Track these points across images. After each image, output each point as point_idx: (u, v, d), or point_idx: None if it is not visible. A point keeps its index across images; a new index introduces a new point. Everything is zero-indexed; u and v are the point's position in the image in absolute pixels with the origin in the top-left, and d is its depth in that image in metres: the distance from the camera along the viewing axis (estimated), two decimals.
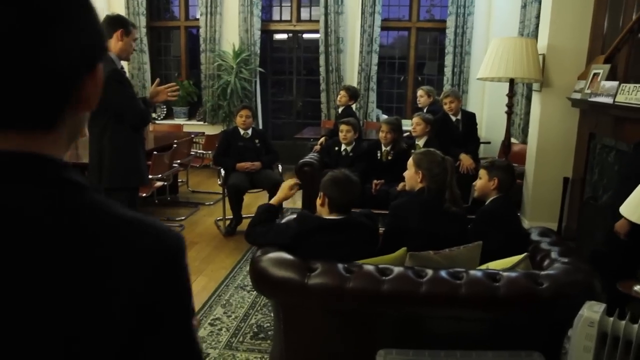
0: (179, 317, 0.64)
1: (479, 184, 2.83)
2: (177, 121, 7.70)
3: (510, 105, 4.54)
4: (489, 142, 5.85)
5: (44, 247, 0.55)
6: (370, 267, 2.19)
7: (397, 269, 2.17)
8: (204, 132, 6.87)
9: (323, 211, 2.41)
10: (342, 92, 5.51)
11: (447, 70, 7.07)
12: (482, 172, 2.82)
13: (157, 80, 3.32)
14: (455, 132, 4.73)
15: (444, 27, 7.14)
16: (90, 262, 0.56)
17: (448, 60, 7.04)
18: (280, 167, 5.06)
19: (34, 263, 0.54)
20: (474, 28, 6.98)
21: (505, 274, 2.14)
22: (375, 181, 4.61)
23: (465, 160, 4.53)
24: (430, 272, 2.16)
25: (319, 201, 2.42)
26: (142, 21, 7.50)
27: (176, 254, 0.63)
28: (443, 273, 2.15)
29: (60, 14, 0.57)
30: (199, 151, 6.54)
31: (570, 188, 4.42)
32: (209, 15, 7.34)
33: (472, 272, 2.17)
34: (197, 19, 7.52)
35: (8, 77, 0.55)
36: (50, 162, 0.59)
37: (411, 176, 2.65)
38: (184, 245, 0.65)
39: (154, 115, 7.54)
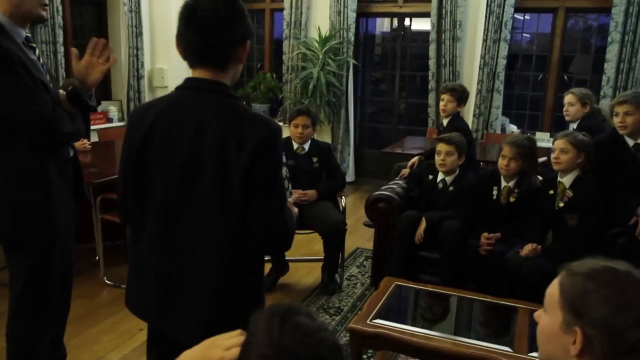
0: (270, 169, 1.35)
1: None
2: None
3: None
4: None
5: (223, 117, 1.35)
6: None
7: None
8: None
9: None
10: (447, 96, 3.76)
11: (609, 67, 5.03)
12: None
13: (73, 50, 1.90)
14: (632, 166, 2.85)
15: (607, 7, 5.10)
16: (238, 126, 1.33)
17: (611, 52, 4.99)
18: (344, 199, 3.53)
19: (216, 121, 1.34)
20: None
21: None
22: (485, 235, 2.92)
23: None
24: None
25: None
26: None
27: (273, 135, 1.36)
28: None
29: (235, 15, 1.36)
30: None
31: None
32: None
33: None
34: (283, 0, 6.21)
35: (216, 41, 1.35)
36: (226, 86, 1.40)
37: (554, 334, 0.99)
38: (279, 131, 1.38)
39: None
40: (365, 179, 6.43)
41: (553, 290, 0.99)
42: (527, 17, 5.96)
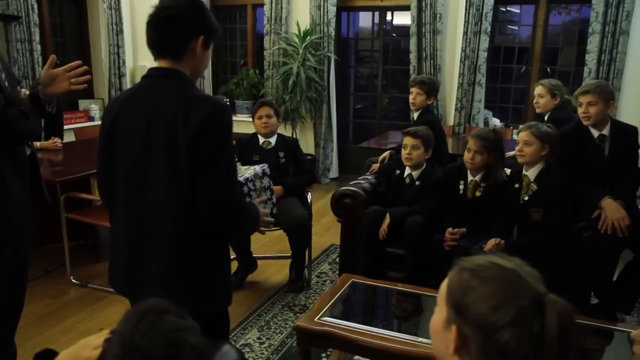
0: (214, 143, 1.49)
1: None
2: (239, 117, 6.40)
3: None
4: None
5: (174, 99, 1.50)
6: None
7: None
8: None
9: None
10: (415, 89, 3.64)
11: (590, 59, 4.95)
12: None
13: (52, 57, 1.94)
14: (596, 158, 2.79)
15: None
16: (186, 106, 1.48)
17: (592, 43, 4.92)
18: (309, 196, 3.47)
19: (168, 101, 1.51)
20: None
21: None
22: (450, 230, 2.87)
23: (613, 211, 2.60)
24: None
25: None
26: None
27: (219, 113, 1.50)
28: None
29: (189, 11, 1.52)
30: None
31: None
32: None
33: None
34: None
35: (168, 34, 1.53)
36: (181, 73, 1.55)
37: (439, 330, 0.94)
38: (226, 110, 1.54)
39: None
40: (349, 175, 6.33)
41: (443, 284, 0.94)
42: (517, 10, 5.89)
